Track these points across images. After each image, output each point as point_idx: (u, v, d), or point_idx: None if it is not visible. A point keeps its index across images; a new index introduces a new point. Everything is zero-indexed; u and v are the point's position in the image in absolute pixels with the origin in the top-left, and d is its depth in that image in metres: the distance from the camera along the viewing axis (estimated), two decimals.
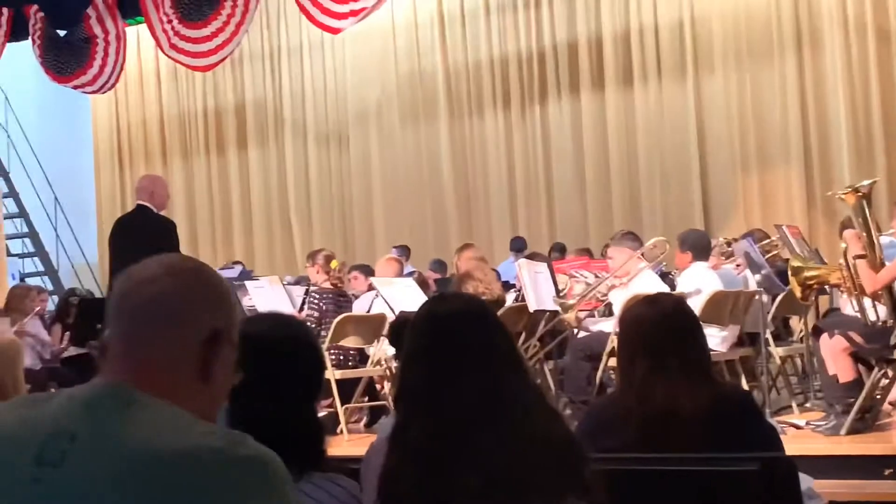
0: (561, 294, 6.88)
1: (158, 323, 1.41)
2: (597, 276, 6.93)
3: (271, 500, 1.29)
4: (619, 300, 6.41)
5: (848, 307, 5.82)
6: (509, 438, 2.13)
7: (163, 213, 7.19)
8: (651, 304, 2.83)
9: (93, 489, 1.24)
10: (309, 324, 7.29)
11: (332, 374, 6.96)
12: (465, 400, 2.16)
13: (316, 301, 7.50)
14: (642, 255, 6.78)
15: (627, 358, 2.79)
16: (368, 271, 8.93)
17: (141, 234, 6.83)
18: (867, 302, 5.67)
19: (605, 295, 6.69)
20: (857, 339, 5.64)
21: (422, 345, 2.25)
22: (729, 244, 7.70)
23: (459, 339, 2.21)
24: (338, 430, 7.00)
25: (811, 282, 5.97)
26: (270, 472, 1.29)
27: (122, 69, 11.34)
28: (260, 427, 2.02)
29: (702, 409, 2.61)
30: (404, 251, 12.12)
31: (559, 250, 10.89)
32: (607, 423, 2.71)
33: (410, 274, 9.07)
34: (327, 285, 7.62)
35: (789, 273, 6.00)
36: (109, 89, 11.79)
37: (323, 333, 7.24)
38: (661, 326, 2.72)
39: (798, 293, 5.96)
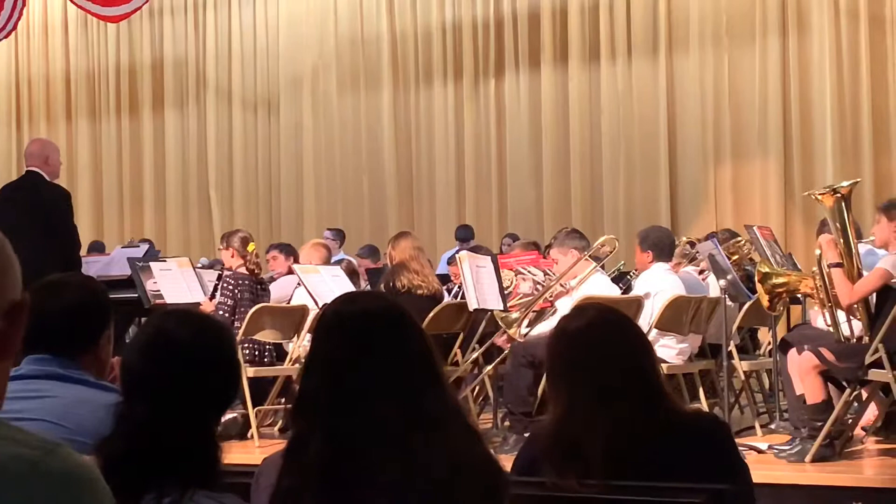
0: (506, 291, 6.86)
1: None
2: (546, 274, 6.91)
3: None
4: (566, 308, 6.39)
5: (819, 320, 5.85)
6: (423, 461, 2.10)
7: (56, 181, 7.07)
8: (579, 317, 2.71)
9: None
10: (221, 313, 7.23)
11: (243, 370, 6.89)
12: (372, 417, 2.11)
13: (230, 288, 7.41)
14: (590, 256, 6.78)
15: (560, 382, 2.70)
16: (290, 251, 8.90)
17: (30, 203, 6.69)
18: (841, 315, 5.70)
19: (553, 298, 6.68)
20: (829, 356, 5.65)
21: (324, 350, 2.20)
22: (692, 245, 7.72)
23: (368, 346, 2.17)
24: (248, 435, 6.92)
25: (779, 290, 6.00)
26: (87, 489, 1.24)
27: (20, 14, 11.10)
28: (154, 434, 2.03)
29: (656, 442, 2.53)
30: (339, 235, 12.06)
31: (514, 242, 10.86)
32: (550, 456, 2.59)
33: (340, 262, 9.01)
34: (243, 270, 7.53)
35: (756, 279, 6.03)
36: (5, 37, 11.53)
37: (237, 325, 7.16)
38: (598, 343, 2.64)
39: (764, 302, 5.98)
